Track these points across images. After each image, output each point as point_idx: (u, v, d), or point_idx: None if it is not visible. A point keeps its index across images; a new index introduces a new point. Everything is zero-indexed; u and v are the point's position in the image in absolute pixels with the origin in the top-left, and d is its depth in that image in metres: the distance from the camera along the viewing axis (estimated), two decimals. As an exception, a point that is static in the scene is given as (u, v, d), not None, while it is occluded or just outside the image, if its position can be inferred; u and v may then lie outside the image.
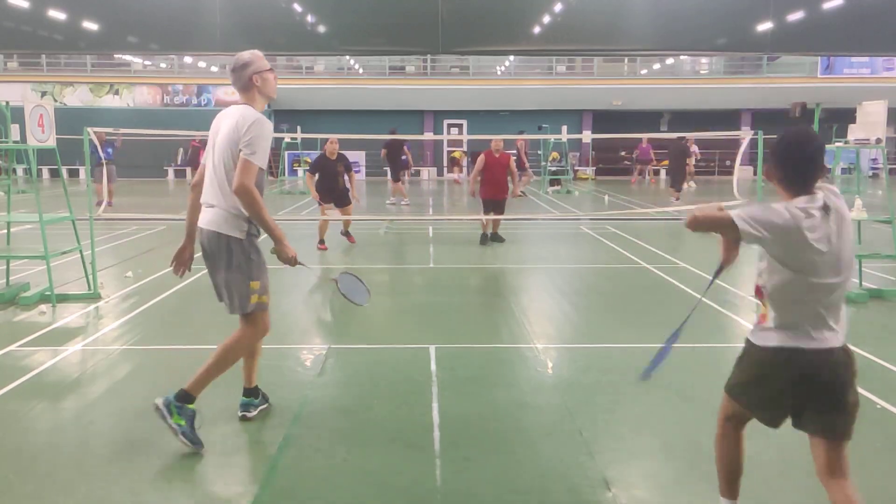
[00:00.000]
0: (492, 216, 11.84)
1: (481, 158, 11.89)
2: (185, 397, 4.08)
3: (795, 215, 2.75)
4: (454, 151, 32.31)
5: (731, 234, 2.86)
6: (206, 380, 4.15)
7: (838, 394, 2.83)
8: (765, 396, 2.97)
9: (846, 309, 2.91)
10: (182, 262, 4.52)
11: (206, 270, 4.36)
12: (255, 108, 4.12)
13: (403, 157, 19.79)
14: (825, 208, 2.80)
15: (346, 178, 11.45)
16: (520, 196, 19.28)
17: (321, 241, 11.45)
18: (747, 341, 3.03)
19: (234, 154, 3.98)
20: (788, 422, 2.98)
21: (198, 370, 4.15)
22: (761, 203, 2.86)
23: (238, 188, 3.88)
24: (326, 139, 11.52)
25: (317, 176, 11.25)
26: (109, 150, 18.77)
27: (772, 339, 2.90)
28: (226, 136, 4.04)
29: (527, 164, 22.91)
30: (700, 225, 2.93)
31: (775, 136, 3.12)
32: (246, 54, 4.18)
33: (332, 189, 11.35)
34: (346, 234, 12.00)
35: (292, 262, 4.16)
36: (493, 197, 11.88)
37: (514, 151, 22.61)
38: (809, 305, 2.81)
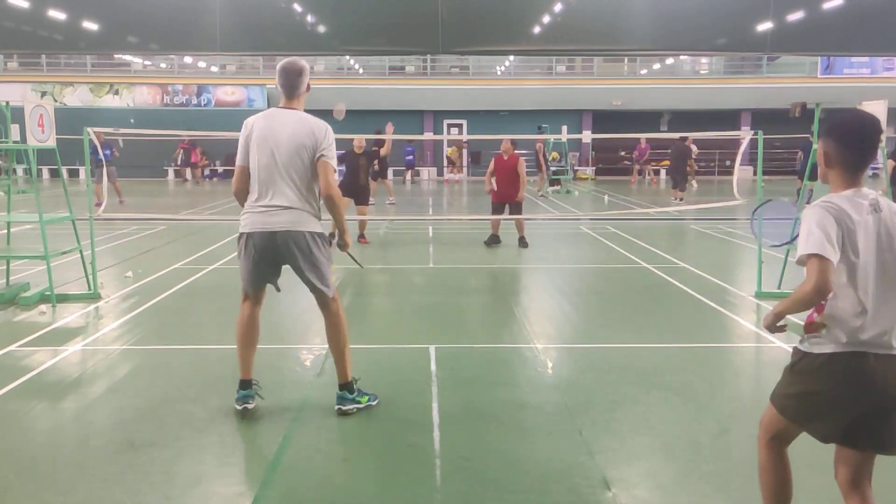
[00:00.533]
0: (500, 217, 11.67)
1: (493, 161, 11.75)
2: (349, 385, 4.62)
3: (839, 205, 2.58)
4: (449, 150, 32.13)
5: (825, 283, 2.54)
6: (347, 363, 4.63)
7: None
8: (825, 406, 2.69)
9: None
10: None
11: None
12: None
13: (410, 158, 19.76)
14: (875, 205, 2.61)
15: (368, 174, 11.25)
16: (542, 196, 19.17)
17: (362, 235, 11.68)
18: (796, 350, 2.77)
19: (306, 158, 4.29)
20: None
21: (337, 366, 4.61)
22: (806, 227, 2.61)
23: (328, 190, 4.31)
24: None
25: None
26: (108, 151, 18.79)
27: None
28: (298, 142, 4.28)
29: (544, 166, 22.61)
30: (788, 311, 2.73)
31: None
32: (303, 61, 4.49)
33: (352, 184, 11.09)
34: (361, 235, 11.79)
35: (348, 249, 4.74)
36: (501, 199, 11.65)
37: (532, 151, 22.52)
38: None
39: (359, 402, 4.60)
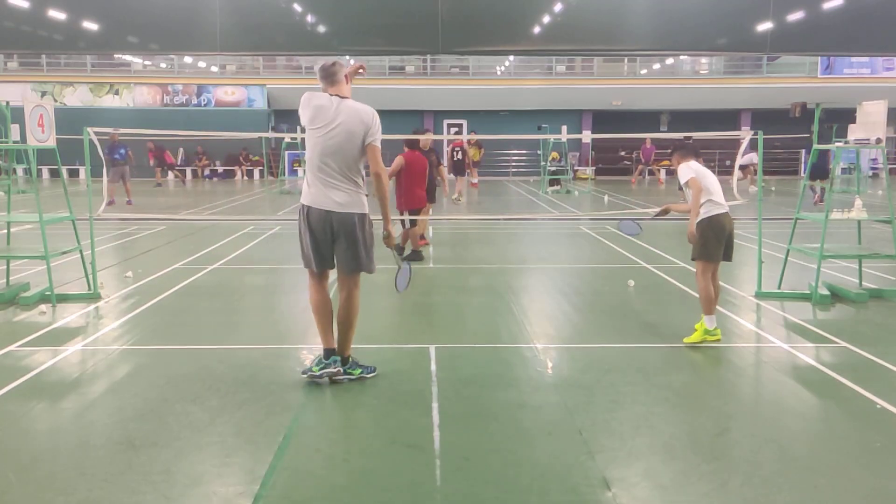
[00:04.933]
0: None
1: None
2: (345, 359, 5.08)
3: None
4: (472, 151, 29.78)
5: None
6: (350, 339, 5.11)
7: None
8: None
9: None
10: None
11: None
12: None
13: (459, 158, 19.70)
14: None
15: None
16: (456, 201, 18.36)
17: (422, 237, 10.93)
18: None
19: (358, 143, 4.86)
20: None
21: (339, 338, 5.09)
22: (685, 173, 6.09)
23: (378, 170, 4.88)
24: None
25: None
26: (123, 150, 18.80)
27: None
28: (353, 128, 4.85)
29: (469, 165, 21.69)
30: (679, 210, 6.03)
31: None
32: (330, 62, 5.05)
33: (424, 170, 10.49)
34: (421, 237, 10.88)
35: (392, 242, 5.13)
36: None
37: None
38: None
39: (351, 374, 5.06)
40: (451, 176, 19.91)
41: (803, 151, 20.45)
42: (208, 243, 11.79)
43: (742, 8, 15.92)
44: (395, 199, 10.04)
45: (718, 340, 6.02)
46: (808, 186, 19.45)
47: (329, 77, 4.95)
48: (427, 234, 11.25)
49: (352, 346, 5.19)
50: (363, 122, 4.86)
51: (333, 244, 4.97)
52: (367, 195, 5.02)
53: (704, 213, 6.06)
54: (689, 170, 6.16)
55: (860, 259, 8.13)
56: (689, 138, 20.56)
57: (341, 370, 5.07)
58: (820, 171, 19.33)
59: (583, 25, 16.42)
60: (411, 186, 10.22)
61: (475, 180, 25.32)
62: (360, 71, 5.32)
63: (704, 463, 3.94)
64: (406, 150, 10.32)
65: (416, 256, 10.30)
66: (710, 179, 6.17)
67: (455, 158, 21.34)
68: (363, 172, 5.01)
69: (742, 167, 19.99)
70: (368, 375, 5.11)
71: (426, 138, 10.87)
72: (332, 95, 4.94)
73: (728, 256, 6.22)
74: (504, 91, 33.06)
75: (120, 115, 31.35)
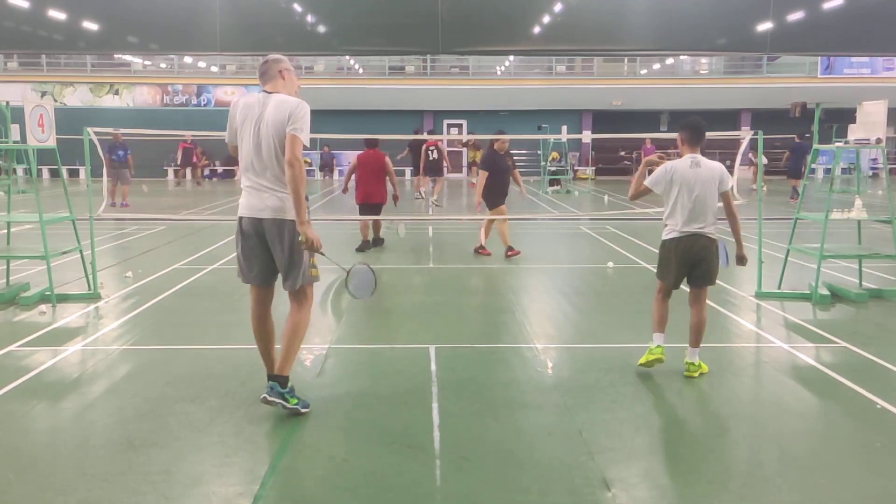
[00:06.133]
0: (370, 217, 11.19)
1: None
2: (284, 381, 4.49)
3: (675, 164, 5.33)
4: (471, 152, 28.58)
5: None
6: (290, 357, 4.54)
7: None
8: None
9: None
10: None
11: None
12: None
13: (435, 158, 19.25)
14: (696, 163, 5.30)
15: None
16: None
17: (510, 248, 10.56)
18: None
19: (282, 136, 4.37)
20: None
21: (280, 355, 4.53)
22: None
23: (291, 159, 4.29)
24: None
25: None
26: (122, 152, 18.73)
27: None
28: (278, 122, 4.38)
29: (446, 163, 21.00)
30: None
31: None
32: (271, 57, 4.68)
33: (503, 185, 10.47)
34: (510, 248, 10.58)
35: (317, 246, 4.39)
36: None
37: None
38: None
39: (286, 401, 4.45)
40: (429, 179, 19.10)
41: (788, 153, 20.62)
42: (208, 243, 11.79)
43: (742, 8, 15.92)
44: (355, 192, 11.16)
45: (661, 361, 5.31)
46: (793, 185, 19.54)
47: (262, 75, 4.60)
48: (484, 238, 10.87)
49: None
50: (288, 112, 4.37)
51: (270, 255, 4.54)
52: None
53: (665, 232, 5.38)
54: (665, 172, 5.29)
55: (860, 259, 8.13)
56: None
57: (274, 393, 4.46)
58: (794, 170, 19.41)
59: (583, 25, 16.43)
60: (366, 182, 10.98)
61: (476, 180, 25.29)
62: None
63: (704, 463, 3.94)
64: (366, 149, 11.22)
65: (378, 243, 11.34)
66: (678, 193, 5.22)
67: (430, 158, 20.56)
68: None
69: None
70: (303, 410, 4.52)
71: (503, 139, 10.64)
72: (264, 93, 4.55)
73: (694, 282, 5.37)
74: (504, 91, 33.06)
75: (120, 115, 31.36)
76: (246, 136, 4.46)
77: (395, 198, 11.41)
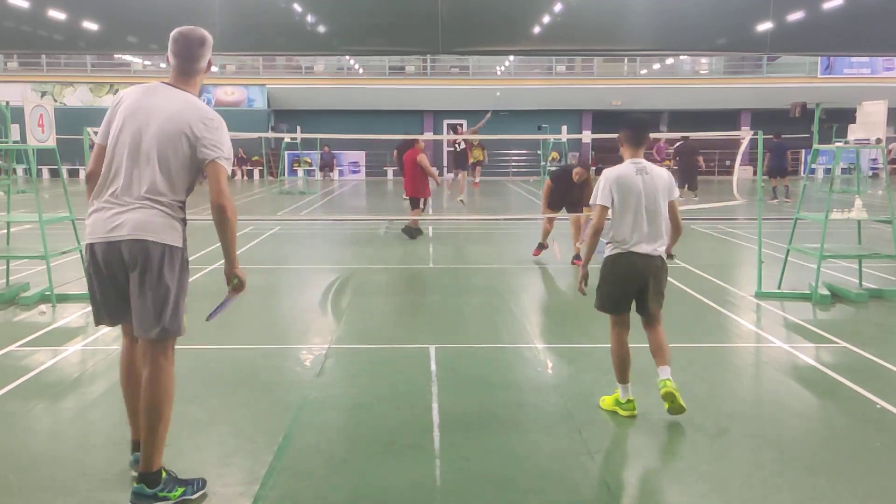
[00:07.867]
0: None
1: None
2: (151, 477, 3.35)
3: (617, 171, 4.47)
4: (476, 150, 28.91)
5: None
6: (157, 443, 3.36)
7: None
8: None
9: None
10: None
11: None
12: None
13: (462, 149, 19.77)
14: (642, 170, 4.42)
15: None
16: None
17: (541, 245, 10.61)
18: None
19: (181, 147, 3.36)
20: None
21: (143, 446, 3.38)
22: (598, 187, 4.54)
23: (222, 201, 3.37)
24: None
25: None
26: None
27: None
28: (176, 127, 3.35)
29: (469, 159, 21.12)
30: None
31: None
32: (204, 31, 3.60)
33: (567, 192, 10.31)
34: (577, 256, 10.07)
35: (242, 288, 3.61)
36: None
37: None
38: None
39: (166, 499, 3.33)
40: (451, 175, 19.90)
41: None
42: (208, 243, 11.76)
43: (742, 8, 15.91)
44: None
45: (633, 416, 4.49)
46: (773, 186, 19.54)
47: (179, 56, 3.54)
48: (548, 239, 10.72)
49: (164, 447, 3.42)
50: (200, 124, 3.36)
51: (126, 288, 3.38)
52: (183, 223, 3.51)
53: (608, 249, 4.55)
54: (607, 182, 4.41)
55: (860, 259, 8.13)
56: (686, 138, 20.57)
57: (142, 499, 3.34)
58: (778, 169, 19.42)
59: (583, 25, 16.42)
60: (407, 178, 12.81)
61: (477, 180, 25.31)
62: None
63: (704, 463, 3.94)
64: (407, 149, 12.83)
65: (412, 233, 12.41)
66: (624, 207, 4.38)
67: (457, 151, 20.87)
68: (182, 195, 3.51)
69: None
70: (193, 496, 3.40)
71: (579, 171, 10.24)
72: (164, 85, 3.51)
73: (647, 303, 4.55)
74: (504, 91, 33.07)
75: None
76: (122, 141, 3.37)
77: (437, 183, 13.39)
